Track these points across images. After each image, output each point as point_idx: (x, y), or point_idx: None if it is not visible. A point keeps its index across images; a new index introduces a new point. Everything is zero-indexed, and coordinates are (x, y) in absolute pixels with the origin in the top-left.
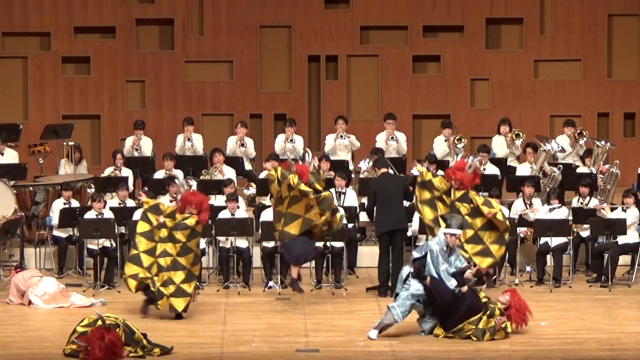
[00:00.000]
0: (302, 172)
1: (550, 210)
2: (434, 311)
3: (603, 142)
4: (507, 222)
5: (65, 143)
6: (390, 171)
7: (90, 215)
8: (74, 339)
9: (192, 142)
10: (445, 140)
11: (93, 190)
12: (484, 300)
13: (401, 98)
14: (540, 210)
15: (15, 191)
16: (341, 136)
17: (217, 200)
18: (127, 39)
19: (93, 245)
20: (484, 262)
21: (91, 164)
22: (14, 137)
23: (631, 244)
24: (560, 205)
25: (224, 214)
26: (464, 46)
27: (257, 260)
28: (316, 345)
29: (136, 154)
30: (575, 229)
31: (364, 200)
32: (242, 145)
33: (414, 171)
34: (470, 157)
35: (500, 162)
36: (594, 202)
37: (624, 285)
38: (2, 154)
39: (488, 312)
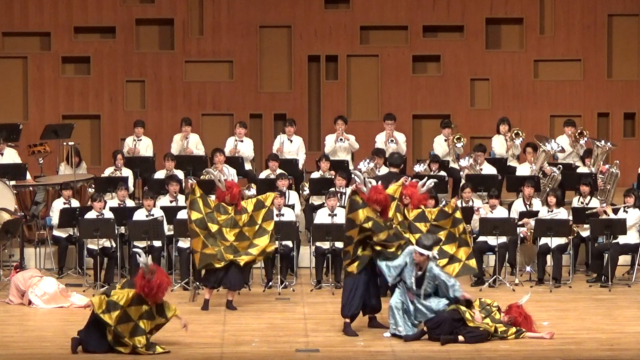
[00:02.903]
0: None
1: (549, 212)
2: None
3: (603, 142)
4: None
5: (65, 143)
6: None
7: (90, 215)
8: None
9: (238, 148)
10: (445, 140)
11: (93, 190)
12: (487, 322)
13: (401, 98)
14: (540, 212)
15: (15, 191)
16: (341, 139)
17: None
18: (127, 39)
19: (93, 245)
20: (454, 270)
21: (91, 164)
22: (14, 137)
23: (631, 244)
24: (559, 211)
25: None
26: (464, 46)
27: None
28: (316, 345)
29: (137, 145)
30: (575, 229)
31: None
32: (236, 152)
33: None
34: (429, 180)
35: (500, 162)
36: (594, 202)
37: (624, 285)
38: (2, 154)
39: (497, 333)
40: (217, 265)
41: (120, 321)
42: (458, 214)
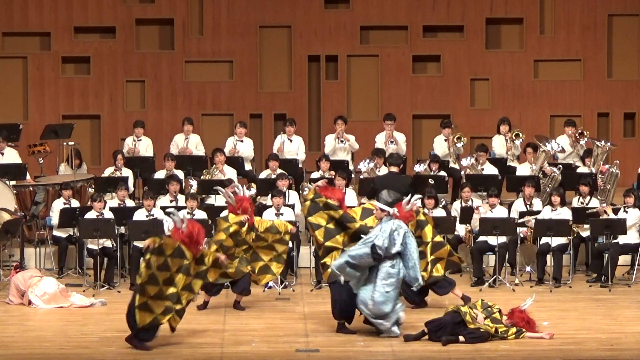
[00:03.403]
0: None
1: (553, 210)
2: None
3: (603, 142)
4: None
5: (65, 143)
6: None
7: (90, 215)
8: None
9: (345, 141)
10: (445, 140)
11: (93, 190)
12: (488, 323)
13: (401, 98)
14: (543, 211)
15: (15, 191)
16: (341, 141)
17: (218, 200)
18: (127, 39)
19: (93, 245)
20: (439, 269)
21: (91, 164)
22: (14, 137)
23: (631, 244)
24: (562, 209)
25: (225, 214)
26: (464, 46)
27: None
28: (316, 345)
29: (137, 145)
30: (575, 229)
31: (364, 200)
32: (236, 152)
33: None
34: (415, 196)
35: (500, 162)
36: (594, 202)
37: (624, 285)
38: (2, 154)
39: (497, 334)
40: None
41: (159, 268)
42: (420, 216)
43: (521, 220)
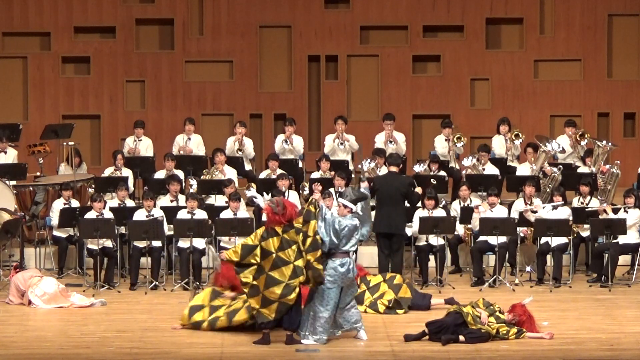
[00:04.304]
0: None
1: (554, 208)
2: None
3: (604, 143)
4: None
5: (65, 143)
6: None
7: (90, 215)
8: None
9: (243, 147)
10: (446, 140)
11: (93, 190)
12: (491, 321)
13: (401, 98)
14: (544, 209)
15: (15, 191)
16: (341, 143)
17: (218, 200)
18: (127, 39)
19: (93, 245)
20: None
21: (91, 164)
22: (14, 137)
23: (631, 244)
24: (563, 203)
25: (225, 214)
26: (464, 46)
27: None
28: (316, 346)
29: (137, 145)
30: (575, 229)
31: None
32: (240, 150)
33: None
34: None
35: (500, 162)
36: (594, 202)
37: (624, 285)
38: (5, 152)
39: (498, 335)
40: None
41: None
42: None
43: (522, 209)
